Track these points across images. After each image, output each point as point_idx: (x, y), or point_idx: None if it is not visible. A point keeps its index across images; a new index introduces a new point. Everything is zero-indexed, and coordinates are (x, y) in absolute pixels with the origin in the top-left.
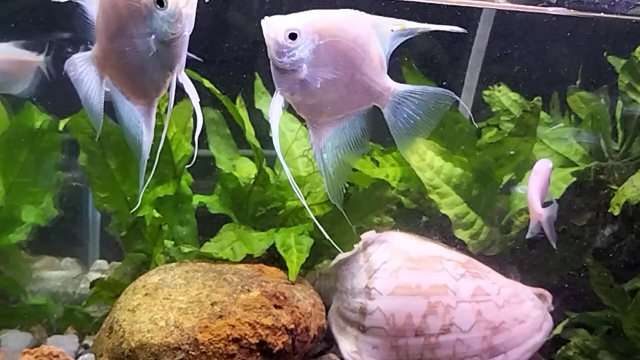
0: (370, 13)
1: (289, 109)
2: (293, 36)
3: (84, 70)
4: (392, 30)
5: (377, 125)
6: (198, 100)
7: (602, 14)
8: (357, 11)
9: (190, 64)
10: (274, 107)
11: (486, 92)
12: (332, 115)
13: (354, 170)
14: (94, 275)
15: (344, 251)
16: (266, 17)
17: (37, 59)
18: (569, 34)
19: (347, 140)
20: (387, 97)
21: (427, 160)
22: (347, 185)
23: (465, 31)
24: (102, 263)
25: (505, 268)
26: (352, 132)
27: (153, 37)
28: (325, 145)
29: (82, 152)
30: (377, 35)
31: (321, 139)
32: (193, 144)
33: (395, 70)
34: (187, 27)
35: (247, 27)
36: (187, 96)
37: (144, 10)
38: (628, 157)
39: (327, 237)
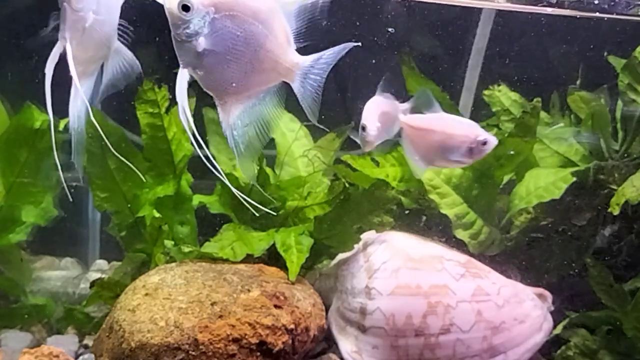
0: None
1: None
2: (186, 8)
3: None
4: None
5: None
6: (77, 77)
7: (602, 14)
8: None
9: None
10: (179, 82)
11: (486, 92)
12: (238, 92)
13: (354, 170)
14: (94, 275)
15: (344, 251)
16: None
17: None
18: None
19: (258, 117)
20: (295, 72)
21: None
22: (347, 184)
23: None
24: (102, 263)
25: (505, 268)
26: (262, 109)
27: None
28: (235, 123)
29: None
30: (283, 10)
31: (229, 115)
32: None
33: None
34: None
35: None
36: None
37: None
38: (628, 157)
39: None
